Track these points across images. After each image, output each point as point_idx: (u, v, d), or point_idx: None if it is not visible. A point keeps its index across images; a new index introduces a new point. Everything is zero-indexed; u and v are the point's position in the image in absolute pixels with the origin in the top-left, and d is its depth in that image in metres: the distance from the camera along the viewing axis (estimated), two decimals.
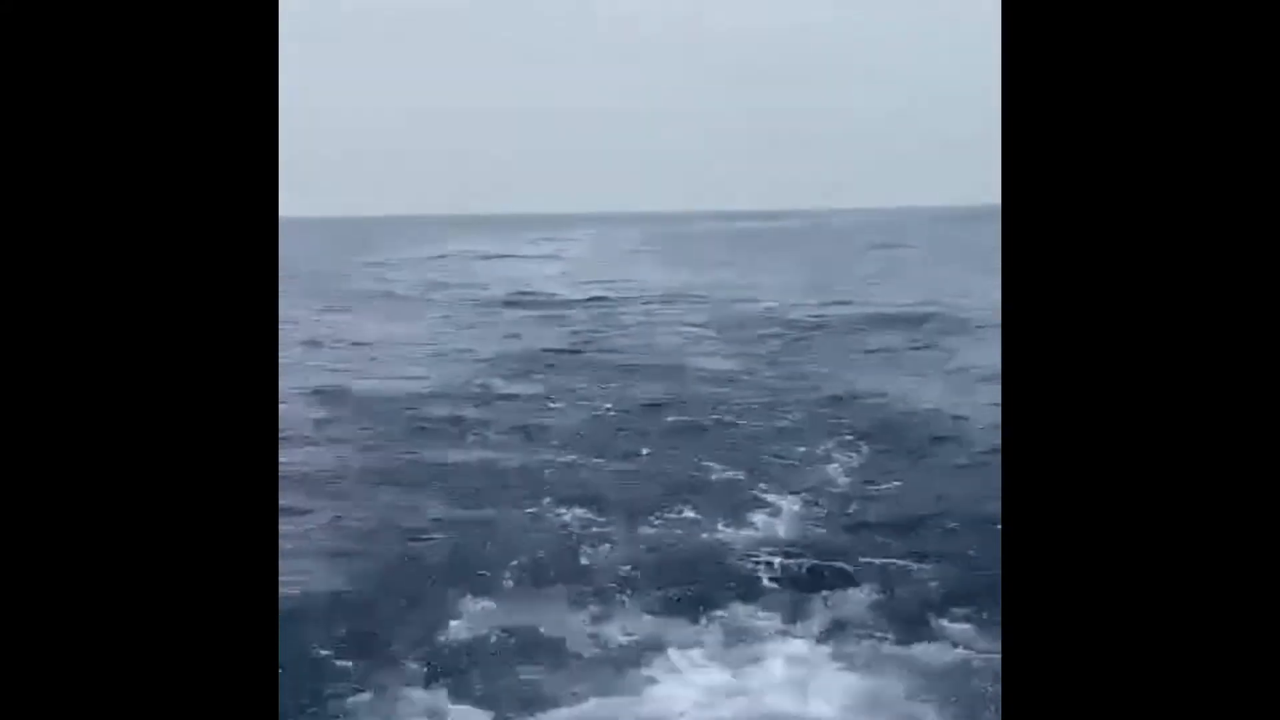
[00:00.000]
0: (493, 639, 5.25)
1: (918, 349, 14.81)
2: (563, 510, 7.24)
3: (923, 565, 6.10)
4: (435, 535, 6.82)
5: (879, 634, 5.24)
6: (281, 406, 10.56)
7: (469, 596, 5.67)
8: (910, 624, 5.34)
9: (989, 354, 14.28)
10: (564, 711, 4.52)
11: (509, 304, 22.46)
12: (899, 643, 5.14)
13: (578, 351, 14.97)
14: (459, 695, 4.67)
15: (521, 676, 4.86)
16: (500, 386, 12.20)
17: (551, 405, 11.13)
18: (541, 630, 5.31)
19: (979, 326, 16.87)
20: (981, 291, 23.66)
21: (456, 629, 5.33)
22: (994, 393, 11.33)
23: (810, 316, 18.90)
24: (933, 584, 5.86)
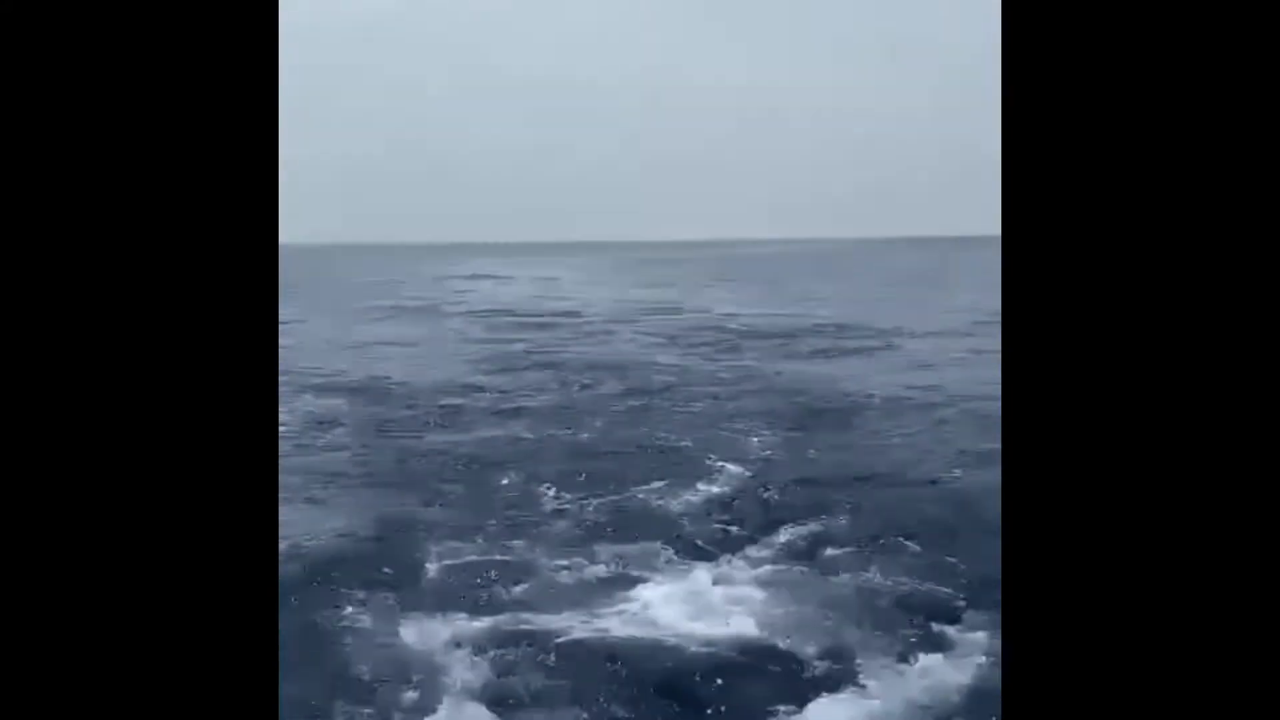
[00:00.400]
0: (468, 570, 5.20)
1: (839, 353, 14.78)
2: (536, 478, 7.11)
3: (841, 516, 6.02)
4: (429, 498, 6.68)
5: (800, 569, 5.15)
6: (312, 396, 10.47)
7: (451, 542, 5.57)
8: (828, 561, 5.27)
9: (901, 355, 14.39)
10: (523, 614, 4.55)
11: (501, 315, 22.37)
12: (817, 576, 5.05)
13: (555, 352, 14.88)
14: (439, 608, 4.66)
15: (489, 594, 4.85)
16: (489, 380, 12.07)
17: (531, 394, 11.01)
18: (509, 565, 5.25)
19: (894, 333, 16.98)
20: (897, 305, 23.83)
21: (439, 566, 5.26)
22: (904, 381, 11.37)
23: (748, 325, 18.90)
24: (849, 531, 5.77)
